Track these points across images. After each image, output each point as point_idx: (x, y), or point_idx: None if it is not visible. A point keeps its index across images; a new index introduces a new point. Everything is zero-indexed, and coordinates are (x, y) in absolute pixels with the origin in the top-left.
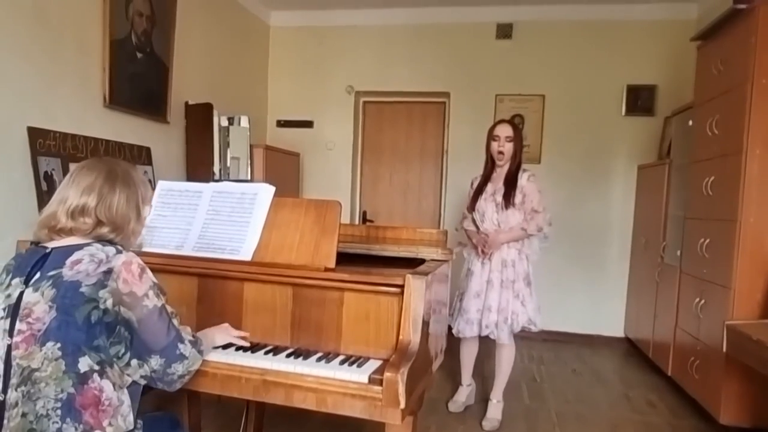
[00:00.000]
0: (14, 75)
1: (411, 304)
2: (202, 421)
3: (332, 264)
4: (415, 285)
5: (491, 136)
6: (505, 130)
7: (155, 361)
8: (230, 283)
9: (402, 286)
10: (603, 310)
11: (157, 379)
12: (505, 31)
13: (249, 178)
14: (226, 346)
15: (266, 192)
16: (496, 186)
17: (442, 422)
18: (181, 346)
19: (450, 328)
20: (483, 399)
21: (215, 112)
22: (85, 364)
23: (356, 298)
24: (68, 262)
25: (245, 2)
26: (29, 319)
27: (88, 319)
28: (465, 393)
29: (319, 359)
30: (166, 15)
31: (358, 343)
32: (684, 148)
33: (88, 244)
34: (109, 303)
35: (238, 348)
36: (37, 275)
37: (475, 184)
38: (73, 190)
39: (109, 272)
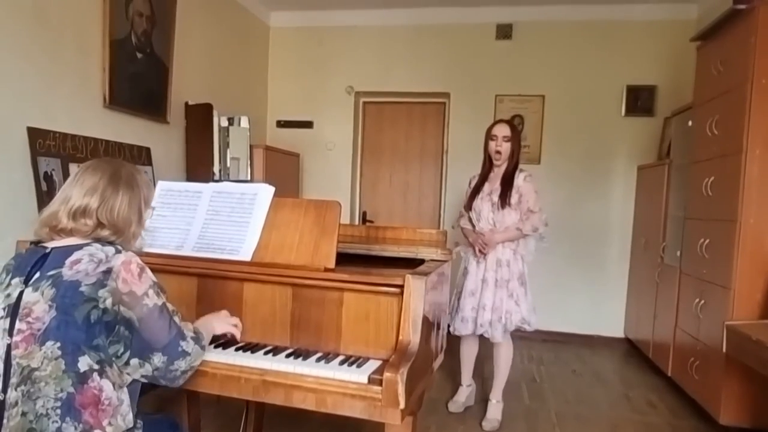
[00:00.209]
0: (14, 75)
1: (411, 304)
2: (202, 421)
3: (332, 264)
4: (414, 285)
5: (489, 136)
6: (502, 130)
7: (158, 359)
8: (230, 283)
9: (402, 287)
10: (603, 311)
11: (160, 376)
12: (504, 32)
13: (249, 178)
14: (225, 346)
15: (266, 192)
16: (493, 186)
17: (442, 422)
18: (183, 343)
19: (448, 328)
20: (483, 399)
21: (215, 113)
22: (84, 363)
23: (356, 299)
24: (68, 261)
25: (245, 3)
26: (29, 319)
27: (87, 318)
28: (465, 393)
29: (318, 359)
30: (166, 15)
31: (358, 343)
32: (684, 148)
33: (87, 244)
34: (109, 302)
35: (238, 348)
36: (37, 275)
37: (473, 183)
38: (77, 190)
39: (108, 272)
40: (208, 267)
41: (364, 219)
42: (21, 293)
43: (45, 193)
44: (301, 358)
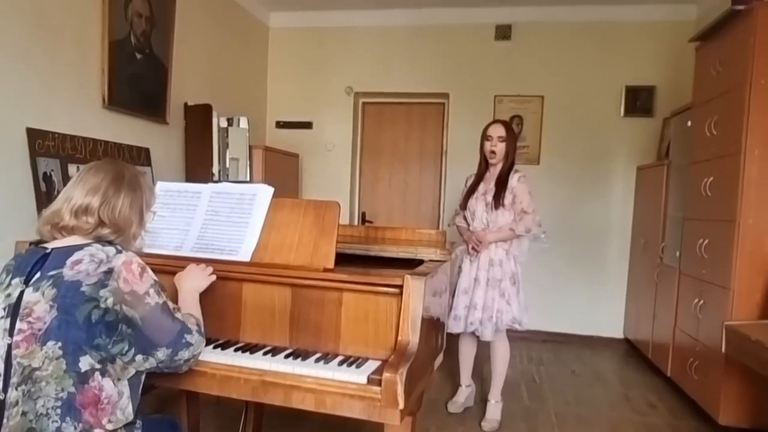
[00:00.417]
0: (13, 76)
1: (410, 304)
2: (201, 422)
3: (331, 264)
4: (414, 285)
5: (484, 136)
6: (497, 131)
7: (162, 353)
8: (229, 283)
9: (401, 287)
10: (602, 311)
11: (165, 367)
12: (504, 32)
13: (248, 179)
14: (225, 346)
15: (265, 192)
16: (488, 186)
17: (441, 423)
18: (187, 336)
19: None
20: (482, 400)
21: (214, 113)
22: (86, 363)
23: (355, 299)
24: (68, 262)
25: (244, 3)
26: (30, 319)
27: (88, 318)
28: (464, 394)
29: (317, 360)
30: (166, 16)
31: (357, 343)
32: (683, 148)
33: (88, 245)
34: (110, 302)
35: (237, 348)
36: (38, 275)
37: (470, 182)
38: (79, 190)
39: (109, 272)
40: None
41: (363, 219)
42: (21, 293)
43: (44, 194)
44: (300, 359)
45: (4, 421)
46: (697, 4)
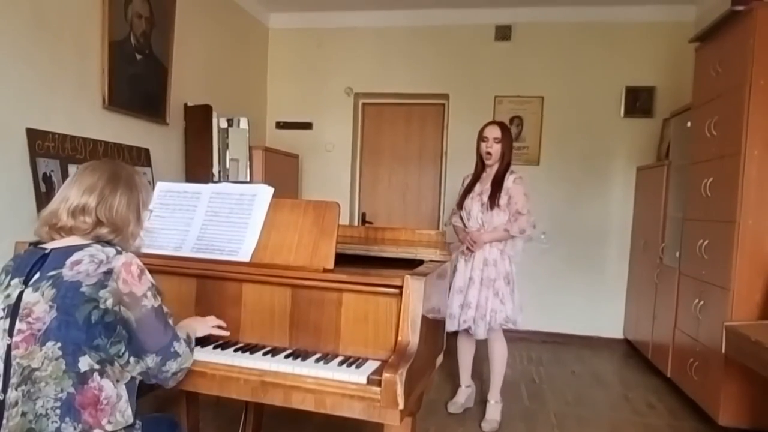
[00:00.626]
0: (13, 76)
1: (410, 304)
2: (201, 422)
3: (331, 265)
4: (413, 286)
5: (480, 137)
6: (493, 132)
7: (151, 360)
8: (229, 284)
9: (401, 287)
10: (602, 312)
11: (152, 375)
12: (503, 33)
13: (248, 179)
14: (224, 347)
15: (265, 193)
16: (483, 186)
17: (441, 424)
18: (176, 344)
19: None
20: (482, 401)
21: (214, 114)
22: (85, 363)
23: (355, 299)
24: (68, 262)
25: (244, 4)
26: (29, 319)
27: (88, 318)
28: (464, 394)
29: (317, 360)
30: (166, 16)
31: (357, 344)
32: (683, 149)
33: (87, 245)
34: (110, 303)
35: (237, 348)
36: (37, 275)
37: (466, 182)
38: (75, 190)
39: (109, 272)
40: (207, 268)
41: (363, 220)
42: (21, 294)
43: (44, 195)
44: (300, 359)
45: (4, 421)
46: (697, 5)
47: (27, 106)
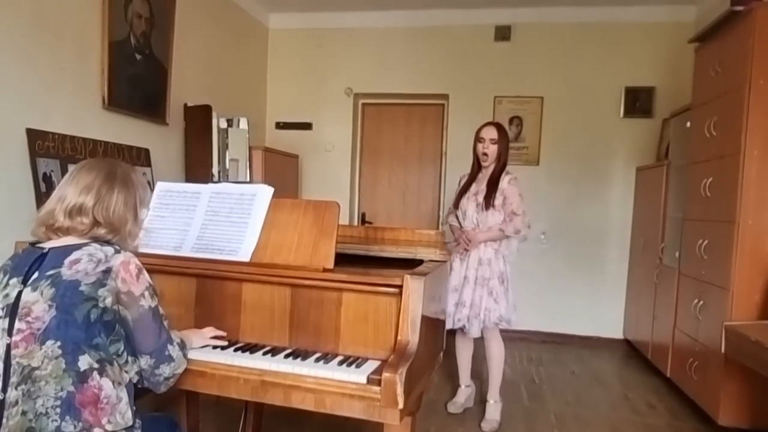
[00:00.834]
0: (13, 76)
1: (409, 304)
2: (201, 422)
3: (331, 265)
4: (413, 285)
5: (477, 138)
6: (489, 133)
7: (144, 361)
8: (229, 283)
9: (400, 287)
10: (602, 312)
11: (145, 378)
12: (503, 33)
13: (248, 179)
14: (224, 346)
15: (265, 192)
16: (479, 186)
17: (441, 424)
18: (170, 347)
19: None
20: (482, 401)
21: (214, 114)
22: (85, 362)
23: (355, 299)
24: (67, 261)
25: (244, 4)
26: (28, 318)
27: (87, 317)
28: (464, 394)
29: (317, 360)
30: (165, 17)
31: (357, 343)
32: (682, 149)
33: (86, 244)
34: (109, 301)
35: (237, 348)
36: (36, 275)
37: (462, 182)
38: (72, 189)
39: (108, 271)
40: (207, 267)
41: (363, 220)
42: (20, 293)
43: (44, 194)
44: (299, 359)
45: (4, 420)
46: (697, 5)
47: (27, 106)
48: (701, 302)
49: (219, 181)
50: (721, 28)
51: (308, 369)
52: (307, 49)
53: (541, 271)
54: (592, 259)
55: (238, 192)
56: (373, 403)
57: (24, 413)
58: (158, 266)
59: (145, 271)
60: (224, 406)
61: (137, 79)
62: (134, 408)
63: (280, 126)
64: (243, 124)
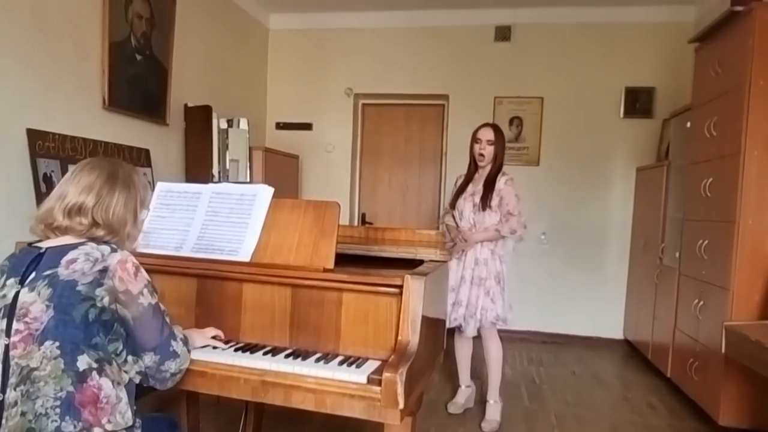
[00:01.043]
0: (14, 77)
1: (410, 304)
2: (201, 422)
3: (331, 265)
4: (413, 285)
5: (474, 139)
6: (486, 134)
7: (149, 358)
8: (229, 284)
9: (401, 287)
10: (602, 312)
11: (150, 376)
12: (503, 34)
13: (248, 180)
14: (224, 347)
15: (265, 193)
16: (476, 187)
17: (441, 424)
18: (173, 343)
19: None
20: (482, 401)
21: (214, 115)
22: (83, 362)
23: (355, 299)
24: (63, 261)
25: (244, 5)
26: (26, 319)
27: (85, 317)
28: (464, 395)
29: (318, 360)
30: (166, 17)
31: (357, 343)
32: (682, 149)
33: (82, 243)
34: (106, 301)
35: (237, 348)
36: (33, 275)
37: (459, 183)
38: (73, 187)
39: (104, 270)
40: (207, 268)
41: (363, 221)
42: (17, 294)
43: (44, 195)
44: (300, 359)
45: (3, 421)
46: (696, 5)
47: (27, 106)
48: (701, 302)
49: (219, 182)
50: (721, 28)
51: (309, 369)
52: (307, 50)
53: (541, 271)
54: (592, 259)
55: (239, 192)
56: (373, 403)
57: (23, 414)
58: (159, 266)
59: (142, 269)
60: (225, 406)
61: (137, 80)
62: (134, 408)
63: (281, 126)
64: (243, 124)
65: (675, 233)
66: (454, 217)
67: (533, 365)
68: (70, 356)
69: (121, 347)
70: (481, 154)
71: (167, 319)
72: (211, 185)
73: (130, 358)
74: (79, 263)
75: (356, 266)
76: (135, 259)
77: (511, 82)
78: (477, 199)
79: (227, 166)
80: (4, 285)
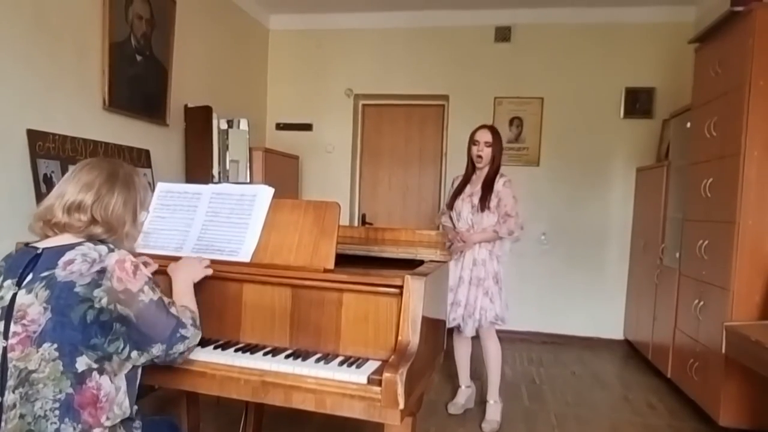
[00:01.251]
0: (14, 77)
1: (410, 304)
2: (201, 423)
3: (331, 265)
4: (414, 286)
5: (471, 141)
6: (484, 136)
7: (157, 349)
8: (229, 284)
9: (401, 287)
10: (602, 313)
11: (160, 361)
12: (503, 34)
13: (248, 180)
14: (225, 347)
15: (265, 193)
16: (474, 188)
17: (441, 424)
18: (182, 330)
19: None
20: (483, 401)
21: (214, 115)
22: (83, 363)
23: (355, 299)
24: (61, 262)
25: (244, 5)
26: (24, 321)
27: (83, 318)
28: (464, 395)
29: (318, 360)
30: (166, 18)
31: (357, 344)
32: (682, 150)
33: (79, 244)
34: (104, 302)
35: (237, 349)
36: (30, 277)
37: (456, 183)
38: (72, 186)
39: (102, 271)
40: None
41: (363, 221)
42: (14, 295)
43: (44, 195)
44: (300, 359)
45: (2, 424)
46: (696, 6)
47: (27, 107)
48: (701, 302)
49: (219, 182)
50: (721, 28)
51: (309, 369)
52: (308, 50)
53: (541, 271)
54: (592, 259)
55: (239, 193)
56: (373, 404)
57: (22, 416)
58: (159, 267)
59: (142, 267)
60: (225, 406)
61: (138, 80)
62: (135, 395)
63: (281, 127)
64: (243, 125)
65: (675, 233)
66: (451, 218)
67: (533, 365)
68: (68, 358)
69: (122, 346)
70: (479, 156)
71: (173, 310)
72: (211, 186)
73: (134, 354)
74: (76, 264)
75: (356, 266)
76: (133, 258)
77: (511, 82)
78: (475, 201)
79: (227, 167)
80: (1, 287)
